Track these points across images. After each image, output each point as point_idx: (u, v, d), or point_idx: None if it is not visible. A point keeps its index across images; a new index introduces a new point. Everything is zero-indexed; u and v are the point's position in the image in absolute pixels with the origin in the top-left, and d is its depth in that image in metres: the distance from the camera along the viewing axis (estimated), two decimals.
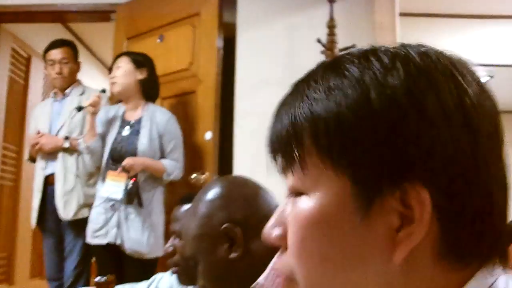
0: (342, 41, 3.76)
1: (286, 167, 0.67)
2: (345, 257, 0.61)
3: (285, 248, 0.67)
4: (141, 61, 3.64)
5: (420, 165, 0.59)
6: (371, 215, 0.60)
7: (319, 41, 3.74)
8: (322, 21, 3.86)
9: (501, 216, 0.64)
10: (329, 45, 3.76)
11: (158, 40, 4.30)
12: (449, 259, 0.61)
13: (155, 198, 3.51)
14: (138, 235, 3.38)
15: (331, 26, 3.83)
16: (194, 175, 3.72)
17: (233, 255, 1.33)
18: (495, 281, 0.62)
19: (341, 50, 3.63)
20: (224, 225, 1.33)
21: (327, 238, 0.62)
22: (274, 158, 0.69)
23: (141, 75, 3.61)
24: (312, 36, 3.80)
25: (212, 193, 1.40)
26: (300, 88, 0.67)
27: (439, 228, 0.60)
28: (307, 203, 0.64)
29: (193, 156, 3.85)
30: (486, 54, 5.71)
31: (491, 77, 7.33)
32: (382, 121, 0.59)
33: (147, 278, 2.31)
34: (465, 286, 0.61)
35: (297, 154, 0.64)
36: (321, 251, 0.63)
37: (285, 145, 0.66)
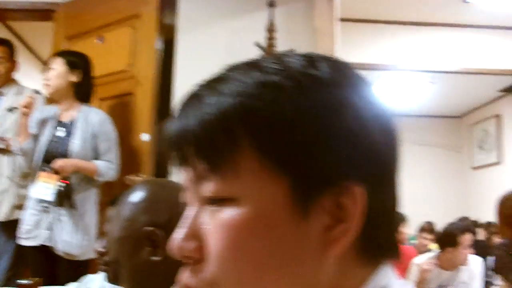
0: (282, 45, 3.78)
1: (207, 172, 0.62)
2: (281, 261, 0.60)
3: (200, 261, 0.63)
4: (76, 62, 3.59)
5: (355, 164, 0.60)
6: (308, 216, 0.60)
7: (258, 44, 3.75)
8: (262, 25, 3.88)
9: (396, 217, 0.67)
10: (268, 49, 3.78)
11: (97, 41, 4.25)
12: (367, 255, 0.63)
13: (89, 200, 3.47)
14: (70, 237, 3.33)
15: (270, 30, 3.85)
16: (129, 177, 3.70)
17: (155, 258, 1.32)
18: (391, 279, 0.65)
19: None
20: (147, 228, 1.32)
21: (261, 243, 0.60)
22: (187, 162, 0.64)
23: (74, 77, 3.56)
24: (252, 39, 3.81)
25: (136, 196, 1.39)
26: (226, 81, 0.63)
27: (363, 225, 0.61)
28: (237, 208, 0.60)
29: (130, 157, 3.82)
30: (426, 60, 5.81)
31: (432, 83, 7.50)
32: (321, 122, 0.60)
33: (78, 279, 2.29)
34: (371, 278, 0.63)
35: (230, 156, 0.60)
36: (255, 258, 0.60)
37: (210, 147, 0.61)
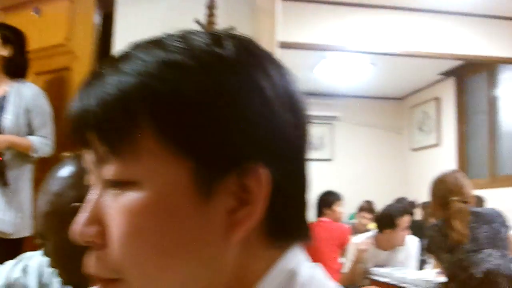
0: (222, 23, 3.75)
1: (108, 154, 0.60)
2: (184, 245, 0.59)
3: (103, 247, 0.61)
4: (8, 36, 3.48)
5: (260, 145, 0.60)
6: (211, 198, 0.59)
7: (197, 22, 3.71)
8: (202, 2, 3.83)
9: (307, 199, 0.67)
10: (208, 26, 3.74)
11: (33, 13, 4.13)
12: (275, 235, 0.63)
13: (23, 176, 3.39)
14: (3, 214, 3.25)
15: (210, 7, 3.81)
16: (66, 153, 3.62)
17: None
18: (299, 262, 0.65)
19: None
20: (75, 204, 1.29)
21: (163, 228, 0.58)
22: (88, 144, 0.61)
23: (6, 52, 3.45)
24: (192, 16, 3.76)
25: (65, 171, 1.38)
26: (129, 60, 0.61)
27: (269, 207, 0.60)
28: (139, 192, 0.58)
29: (66, 133, 3.74)
30: (368, 42, 5.85)
31: (373, 64, 7.57)
32: (223, 102, 0.58)
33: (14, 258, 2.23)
34: (279, 261, 0.63)
35: (131, 138, 0.58)
36: (157, 242, 0.59)
37: (110, 128, 0.59)
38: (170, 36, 0.63)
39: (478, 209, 3.41)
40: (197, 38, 0.62)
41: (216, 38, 0.62)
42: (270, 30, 3.92)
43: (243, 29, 3.42)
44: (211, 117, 0.58)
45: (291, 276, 0.63)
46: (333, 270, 5.09)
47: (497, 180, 7.48)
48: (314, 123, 9.41)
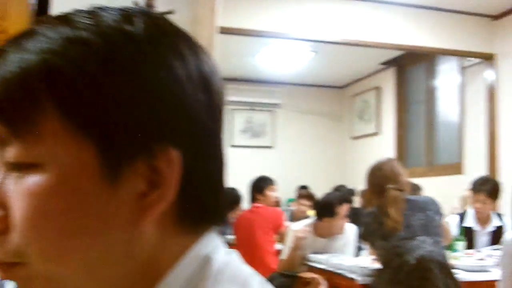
0: (162, 6, 3.69)
1: (9, 136, 0.56)
2: (90, 229, 0.56)
3: (5, 232, 0.57)
4: None
5: (169, 126, 0.57)
6: (119, 181, 0.56)
7: (135, 4, 3.64)
8: None
9: (223, 183, 0.65)
10: (162, 14, 3.68)
11: None
12: (187, 221, 0.61)
13: None
14: None
15: None
16: None
17: None
18: (214, 248, 0.63)
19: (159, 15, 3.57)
20: None
21: (68, 211, 0.56)
22: None
23: None
24: None
25: None
26: (34, 36, 0.57)
27: (182, 190, 0.58)
28: (41, 175, 0.55)
29: None
30: (310, 29, 5.87)
31: (315, 52, 7.62)
32: (130, 81, 0.56)
33: None
34: (193, 247, 0.61)
35: (32, 119, 0.55)
36: (62, 226, 0.56)
37: (10, 109, 0.56)
38: (79, 12, 0.60)
39: (413, 197, 3.47)
40: (106, 14, 0.59)
41: (126, 15, 0.59)
42: (210, 15, 3.87)
43: (183, 13, 3.38)
44: (115, 96, 0.55)
45: (206, 263, 0.61)
46: (269, 253, 5.13)
47: (434, 168, 7.64)
48: (256, 110, 9.44)
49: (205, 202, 0.62)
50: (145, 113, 0.56)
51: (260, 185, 5.50)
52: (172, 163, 0.57)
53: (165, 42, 0.60)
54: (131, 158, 0.56)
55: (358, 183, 7.53)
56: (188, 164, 0.58)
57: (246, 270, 0.65)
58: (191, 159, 0.59)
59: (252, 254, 5.16)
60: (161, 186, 0.57)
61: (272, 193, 5.54)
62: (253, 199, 5.48)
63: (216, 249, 0.63)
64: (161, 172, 0.57)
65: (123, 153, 0.56)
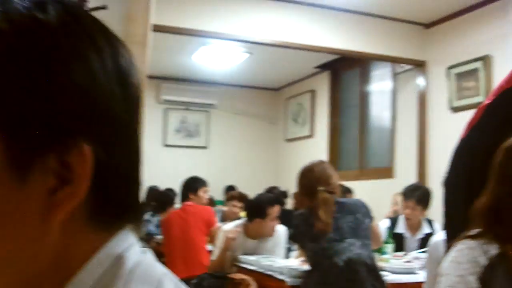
0: (94, 2, 3.61)
1: None
2: None
3: None
4: None
5: (81, 120, 0.55)
6: (29, 177, 0.53)
7: None
8: None
9: (140, 179, 0.63)
10: (79, 3, 3.59)
11: None
12: (99, 218, 0.58)
13: None
14: None
15: None
16: None
17: None
18: (128, 246, 0.61)
19: (91, 9, 3.49)
20: None
21: None
22: None
23: None
24: None
25: None
26: None
27: (94, 186, 0.55)
28: None
29: None
30: (245, 30, 5.86)
31: (251, 53, 7.62)
32: (40, 72, 0.53)
33: None
34: (105, 245, 0.59)
35: None
36: None
37: None
38: None
39: (343, 200, 3.50)
40: (18, 1, 0.56)
41: (39, 2, 0.56)
42: (144, 12, 3.81)
43: (116, 9, 3.31)
44: (23, 88, 0.52)
45: (118, 262, 0.59)
46: (204, 252, 5.11)
47: (366, 172, 7.76)
48: (191, 110, 9.39)
49: (119, 199, 0.60)
50: (55, 106, 0.53)
51: (195, 186, 5.52)
52: (84, 159, 0.55)
53: (80, 32, 0.57)
54: (41, 153, 0.54)
55: (292, 185, 7.58)
56: (101, 160, 0.56)
57: (160, 269, 0.63)
58: (105, 154, 0.56)
59: (186, 252, 5.15)
60: (72, 182, 0.55)
61: (205, 194, 5.56)
62: (186, 199, 5.47)
63: (130, 248, 0.61)
64: (72, 168, 0.55)
65: (33, 148, 0.53)
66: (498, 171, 1.78)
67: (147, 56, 3.32)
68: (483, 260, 1.64)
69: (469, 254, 1.67)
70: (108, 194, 0.58)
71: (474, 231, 1.74)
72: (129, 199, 0.62)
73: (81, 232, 0.58)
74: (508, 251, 1.66)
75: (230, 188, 8.32)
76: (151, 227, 6.48)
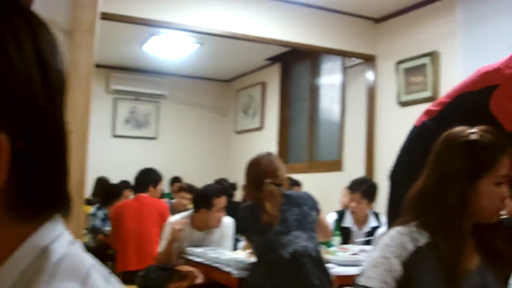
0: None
1: None
2: None
3: None
4: None
5: (2, 111, 0.52)
6: None
7: None
8: None
9: (67, 167, 0.60)
10: (25, 1, 3.49)
11: None
12: (21, 209, 0.56)
13: None
14: None
15: None
16: None
17: None
18: (55, 238, 0.59)
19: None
20: None
21: None
22: None
23: None
24: None
25: None
26: None
27: (13, 176, 0.53)
28: None
29: None
30: (195, 21, 5.81)
31: (201, 44, 7.57)
32: None
33: None
34: (29, 237, 0.57)
35: None
36: None
37: None
38: None
39: (290, 192, 3.50)
40: None
41: None
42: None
43: None
44: None
45: (43, 254, 0.57)
46: (156, 243, 5.06)
47: (315, 165, 7.80)
48: (140, 100, 9.28)
49: (43, 189, 0.57)
50: None
51: (157, 179, 5.49)
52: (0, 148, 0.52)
53: (2, 24, 0.55)
54: None
55: (241, 177, 7.59)
56: (18, 148, 0.53)
57: (88, 261, 0.60)
58: (23, 142, 0.54)
59: (140, 245, 5.09)
60: None
61: (159, 187, 5.55)
62: (143, 190, 5.38)
63: (57, 239, 0.59)
64: None
65: None
66: (434, 159, 1.83)
67: (95, 45, 3.26)
68: (411, 247, 1.71)
69: (398, 239, 1.74)
70: (29, 184, 0.56)
71: (405, 218, 1.80)
72: (54, 188, 0.59)
73: (3, 224, 0.55)
74: (438, 241, 1.71)
75: (175, 180, 8.25)
76: (97, 221, 6.37)
